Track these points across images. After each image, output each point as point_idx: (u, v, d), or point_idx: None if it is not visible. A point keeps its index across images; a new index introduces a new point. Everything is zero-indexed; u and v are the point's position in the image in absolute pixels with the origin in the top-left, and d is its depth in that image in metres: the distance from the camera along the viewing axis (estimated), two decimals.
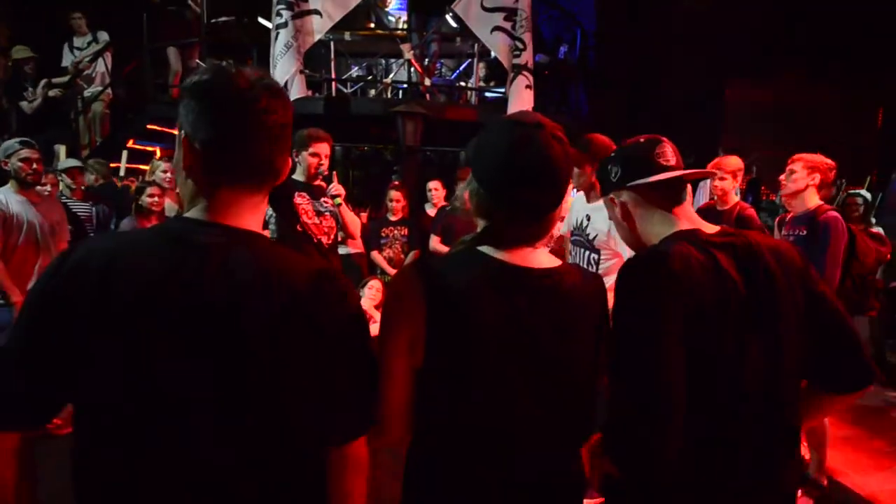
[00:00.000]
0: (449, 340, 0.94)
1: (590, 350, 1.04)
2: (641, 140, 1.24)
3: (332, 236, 2.94)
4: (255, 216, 0.91)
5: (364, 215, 6.67)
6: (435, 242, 4.23)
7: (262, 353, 0.81)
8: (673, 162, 1.20)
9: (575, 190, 2.68)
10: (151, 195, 3.54)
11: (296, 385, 0.84)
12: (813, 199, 2.75)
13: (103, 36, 6.59)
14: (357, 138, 8.30)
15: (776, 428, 1.09)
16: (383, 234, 4.40)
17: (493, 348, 0.95)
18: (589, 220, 2.46)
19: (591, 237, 2.42)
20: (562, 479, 1.05)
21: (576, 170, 2.47)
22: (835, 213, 2.66)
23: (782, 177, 2.87)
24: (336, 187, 2.94)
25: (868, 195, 4.43)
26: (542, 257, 1.04)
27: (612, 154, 1.28)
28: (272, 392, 0.82)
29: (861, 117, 7.75)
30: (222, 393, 0.80)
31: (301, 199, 2.81)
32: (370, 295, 3.58)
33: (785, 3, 6.62)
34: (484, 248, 1.02)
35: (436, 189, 4.63)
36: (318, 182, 2.92)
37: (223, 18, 6.22)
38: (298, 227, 2.77)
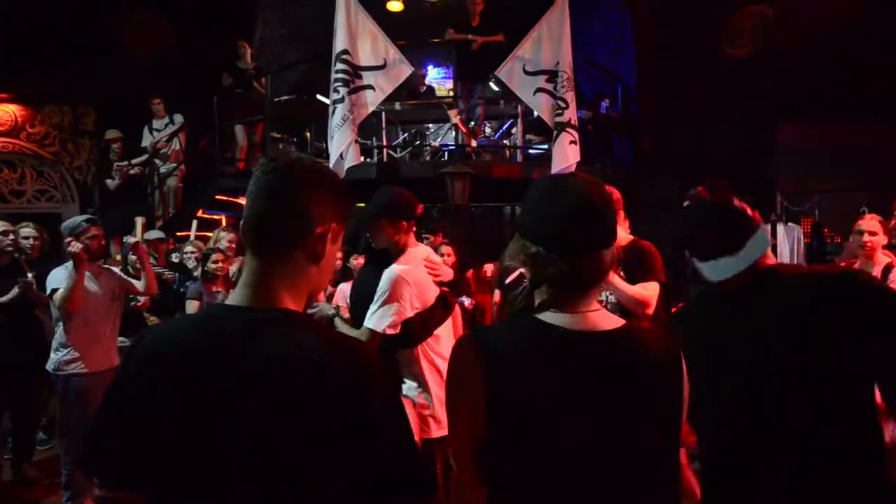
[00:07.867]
0: (508, 412, 0.97)
1: (663, 410, 1.02)
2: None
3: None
4: (289, 288, 0.96)
5: None
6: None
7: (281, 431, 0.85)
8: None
9: None
10: (216, 261, 3.84)
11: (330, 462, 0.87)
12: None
13: (179, 118, 7.28)
14: None
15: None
16: None
17: (552, 415, 0.97)
18: None
19: None
20: None
21: None
22: None
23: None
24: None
25: None
26: (602, 319, 1.03)
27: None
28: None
29: None
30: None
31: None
32: None
33: (830, 42, 6.59)
34: (542, 315, 1.03)
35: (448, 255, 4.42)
36: None
37: (285, 97, 6.75)
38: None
